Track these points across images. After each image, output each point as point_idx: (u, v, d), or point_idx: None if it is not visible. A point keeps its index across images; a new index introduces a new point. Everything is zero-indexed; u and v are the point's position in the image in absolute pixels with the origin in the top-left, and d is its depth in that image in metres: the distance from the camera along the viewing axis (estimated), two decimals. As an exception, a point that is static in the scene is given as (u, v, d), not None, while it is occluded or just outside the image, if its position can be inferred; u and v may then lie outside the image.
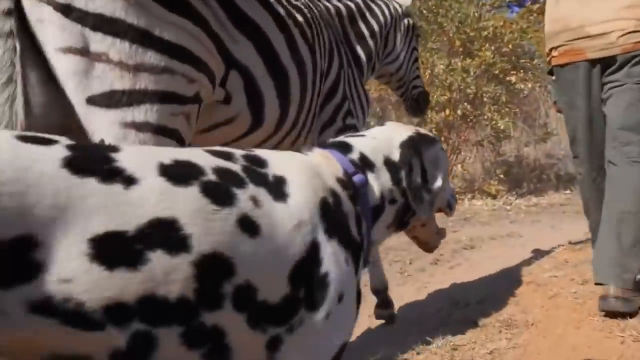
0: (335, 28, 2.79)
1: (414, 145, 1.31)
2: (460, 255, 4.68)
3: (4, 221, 0.74)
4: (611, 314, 2.46)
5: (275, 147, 2.19)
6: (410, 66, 3.51)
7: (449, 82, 7.71)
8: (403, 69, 3.45)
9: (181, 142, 1.62)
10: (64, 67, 1.43)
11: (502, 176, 8.10)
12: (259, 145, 2.10)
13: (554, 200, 7.40)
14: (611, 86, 2.64)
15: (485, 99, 8.19)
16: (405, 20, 3.43)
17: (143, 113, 1.49)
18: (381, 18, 3.16)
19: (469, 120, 8.04)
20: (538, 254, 4.25)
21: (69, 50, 1.43)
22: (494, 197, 7.53)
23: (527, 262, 4.03)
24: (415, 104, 3.65)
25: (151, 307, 0.83)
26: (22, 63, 1.41)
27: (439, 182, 1.32)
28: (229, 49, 1.76)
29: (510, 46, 7.95)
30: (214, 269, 0.89)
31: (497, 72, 7.92)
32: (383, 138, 1.33)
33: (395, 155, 1.30)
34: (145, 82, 1.48)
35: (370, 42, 3.05)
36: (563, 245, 4.29)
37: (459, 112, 7.78)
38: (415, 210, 1.29)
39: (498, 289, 3.25)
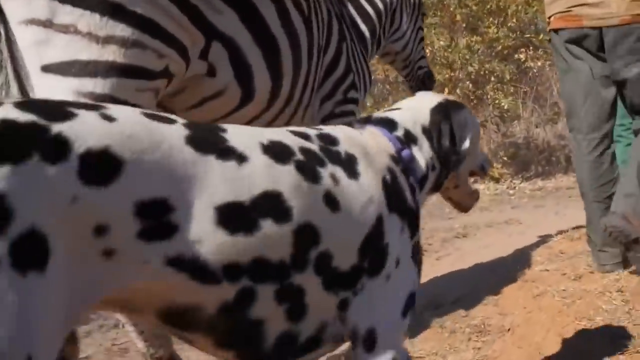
0: (335, 1, 2.66)
1: (442, 110, 1.39)
2: (451, 244, 4.33)
3: (147, 184, 0.83)
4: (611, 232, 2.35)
5: (269, 123, 2.07)
6: (416, 46, 3.44)
7: (451, 60, 7.26)
8: (409, 48, 3.38)
9: None
10: (25, 38, 1.39)
11: (505, 159, 7.64)
12: (251, 121, 1.98)
13: (561, 184, 6.98)
14: (623, 64, 2.51)
15: (492, 78, 7.75)
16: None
17: (108, 85, 1.44)
18: None
19: (471, 100, 7.59)
20: (534, 243, 3.93)
21: (31, 22, 1.38)
22: (497, 180, 7.11)
23: (520, 253, 3.69)
24: (421, 84, 3.53)
25: (258, 267, 0.94)
26: (8, 48, 1.40)
27: (466, 144, 1.39)
28: (209, 20, 1.68)
29: (514, 20, 7.47)
30: (306, 237, 1.00)
31: (500, 48, 7.44)
32: (418, 108, 1.41)
33: (428, 123, 1.38)
34: (114, 54, 1.44)
35: (374, 17, 2.98)
36: (562, 234, 3.93)
37: (458, 91, 7.32)
38: (447, 173, 1.41)
39: (479, 285, 2.91)
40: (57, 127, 0.76)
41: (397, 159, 1.25)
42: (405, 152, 1.29)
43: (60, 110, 0.80)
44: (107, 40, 1.43)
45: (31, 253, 0.71)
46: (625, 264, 2.80)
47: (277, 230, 0.95)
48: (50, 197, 0.74)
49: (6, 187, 0.70)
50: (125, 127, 0.83)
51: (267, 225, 0.94)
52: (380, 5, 3.02)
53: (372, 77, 2.94)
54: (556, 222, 4.68)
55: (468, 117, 1.43)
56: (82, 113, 0.81)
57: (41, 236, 0.72)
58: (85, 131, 0.79)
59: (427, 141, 1.35)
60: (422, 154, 1.34)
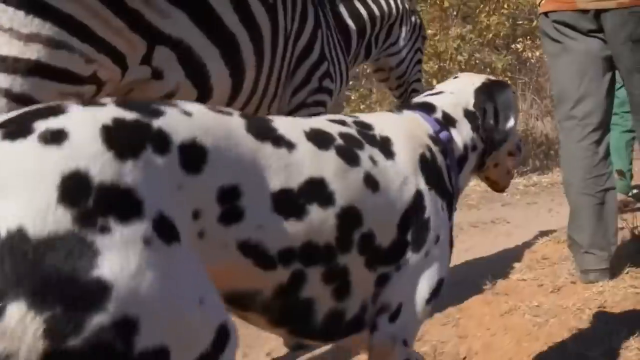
0: None
1: (487, 91, 1.43)
2: (429, 247, 3.95)
3: (224, 171, 0.88)
4: None
5: None
6: (412, 67, 3.41)
7: (439, 49, 6.89)
8: (404, 65, 3.34)
9: None
10: None
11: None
12: None
13: (557, 179, 6.55)
14: (624, 50, 2.32)
15: (487, 70, 7.37)
16: (413, 18, 3.36)
17: (28, 85, 1.38)
18: (384, 5, 3.07)
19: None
20: (519, 246, 3.58)
21: None
22: (490, 176, 6.71)
23: (498, 259, 3.33)
24: None
25: (307, 251, 0.98)
26: None
27: (511, 122, 1.42)
28: (152, 25, 1.63)
29: (506, 6, 7.08)
30: (349, 219, 1.04)
31: (491, 37, 7.06)
32: (459, 91, 1.45)
33: (472, 105, 1.42)
34: (37, 53, 1.39)
35: (366, 19, 2.95)
36: (549, 235, 3.56)
37: (445, 82, 6.95)
38: (491, 151, 1.45)
39: (444, 297, 2.52)
40: (156, 123, 0.82)
41: (435, 139, 1.29)
42: (443, 134, 1.32)
43: (151, 108, 0.85)
44: (31, 38, 1.39)
45: (168, 230, 0.75)
46: (612, 271, 2.44)
47: (323, 214, 0.99)
48: (164, 185, 0.79)
49: (133, 181, 0.74)
50: (202, 120, 0.89)
51: (314, 210, 0.97)
52: (376, 11, 3.00)
53: (359, 71, 2.76)
54: (547, 221, 4.31)
55: (511, 96, 1.46)
56: (167, 110, 0.86)
57: (169, 218, 0.77)
58: (176, 125, 0.84)
59: (468, 123, 1.39)
60: (461, 135, 1.37)
